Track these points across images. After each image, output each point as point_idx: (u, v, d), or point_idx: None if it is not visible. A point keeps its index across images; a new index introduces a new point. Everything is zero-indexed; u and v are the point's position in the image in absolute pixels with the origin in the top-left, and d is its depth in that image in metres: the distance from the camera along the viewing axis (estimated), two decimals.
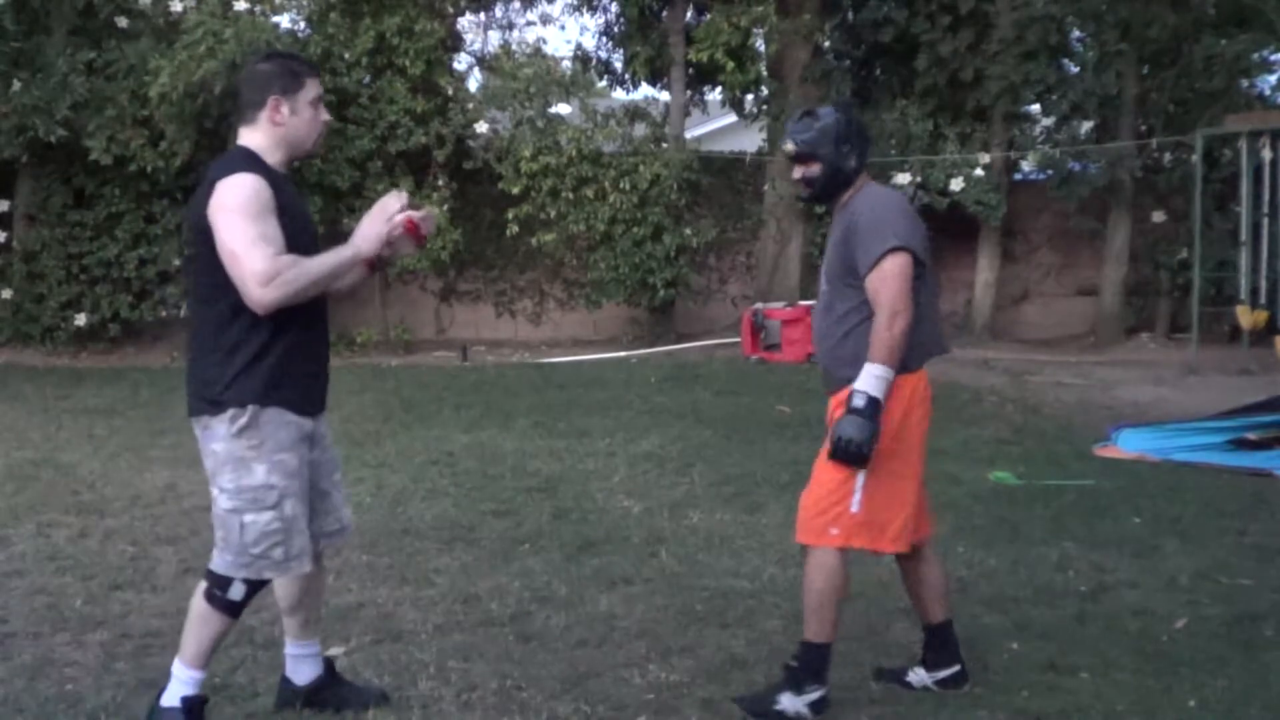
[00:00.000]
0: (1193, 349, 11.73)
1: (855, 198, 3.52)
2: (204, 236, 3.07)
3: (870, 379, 3.37)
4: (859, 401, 3.37)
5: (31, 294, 12.25)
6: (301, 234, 3.19)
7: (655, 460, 7.10)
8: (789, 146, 3.55)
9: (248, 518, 3.11)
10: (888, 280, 3.38)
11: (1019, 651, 3.98)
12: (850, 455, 3.36)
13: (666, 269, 13.19)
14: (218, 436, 3.11)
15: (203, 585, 3.22)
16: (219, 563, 3.17)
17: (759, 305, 12.82)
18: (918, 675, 3.67)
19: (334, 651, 3.94)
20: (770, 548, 5.22)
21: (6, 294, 12.18)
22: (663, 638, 4.11)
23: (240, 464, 3.10)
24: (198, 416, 3.18)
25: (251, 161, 3.13)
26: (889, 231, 3.40)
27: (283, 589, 3.42)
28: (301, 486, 3.21)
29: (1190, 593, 4.60)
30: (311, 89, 3.23)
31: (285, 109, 3.17)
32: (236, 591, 3.16)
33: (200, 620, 3.21)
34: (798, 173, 3.57)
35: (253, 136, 3.19)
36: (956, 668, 3.67)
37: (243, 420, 3.09)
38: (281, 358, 3.15)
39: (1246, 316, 11.43)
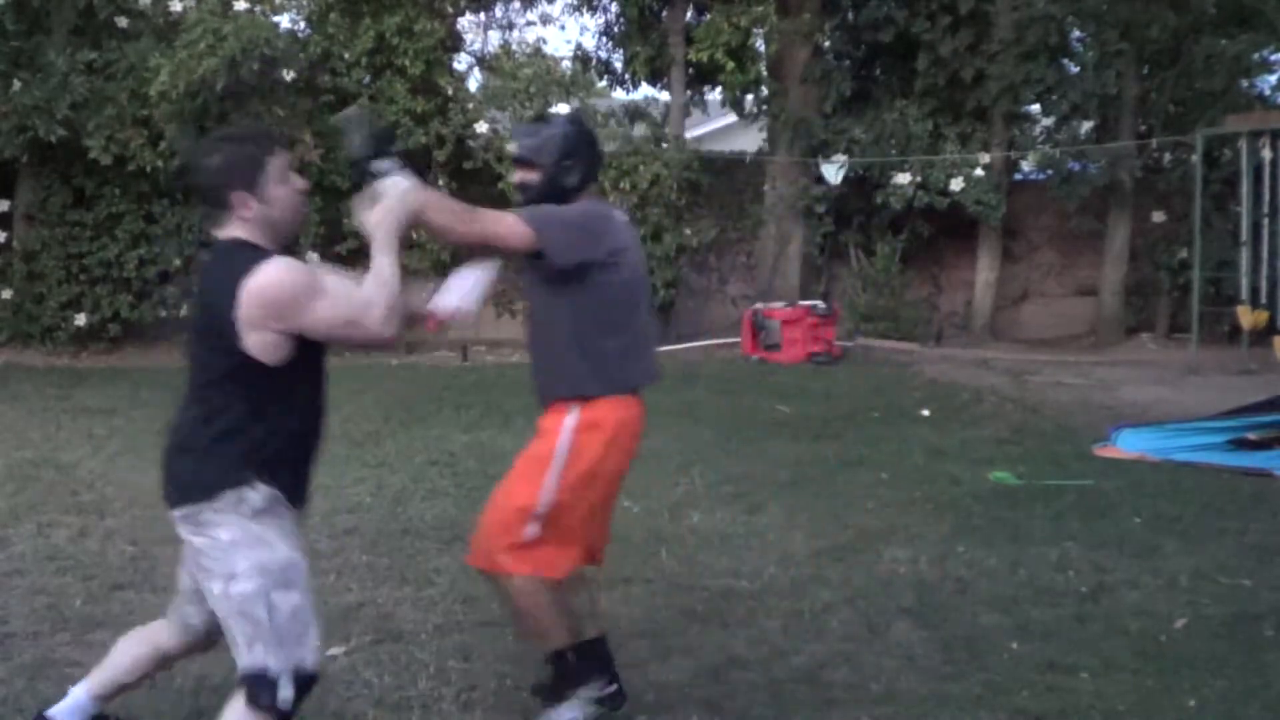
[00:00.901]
0: (1193, 349, 11.73)
1: (546, 201, 3.40)
2: (219, 339, 2.76)
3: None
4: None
5: (31, 294, 12.24)
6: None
7: (655, 460, 7.09)
8: (512, 148, 3.53)
9: (275, 596, 2.72)
10: (502, 220, 3.27)
11: (1019, 651, 3.98)
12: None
13: (666, 269, 13.18)
14: (222, 523, 2.77)
15: (238, 698, 2.73)
16: (253, 659, 2.71)
17: (759, 305, 12.82)
18: (565, 712, 3.41)
19: (334, 651, 3.95)
20: (770, 548, 5.23)
21: (6, 294, 12.17)
22: (663, 638, 4.11)
23: (259, 541, 2.76)
24: (187, 506, 2.82)
25: (257, 249, 2.79)
26: (549, 215, 3.31)
27: (132, 654, 3.17)
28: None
29: (1190, 593, 4.60)
30: (274, 166, 2.81)
31: (253, 203, 2.78)
32: (286, 691, 2.69)
33: None
34: (517, 177, 3.50)
35: (234, 231, 2.82)
36: (608, 683, 3.44)
37: (255, 498, 2.79)
38: (279, 446, 2.90)
39: (1247, 316, 11.43)
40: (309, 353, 2.90)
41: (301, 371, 2.93)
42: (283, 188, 2.84)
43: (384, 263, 2.87)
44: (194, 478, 2.84)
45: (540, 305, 3.57)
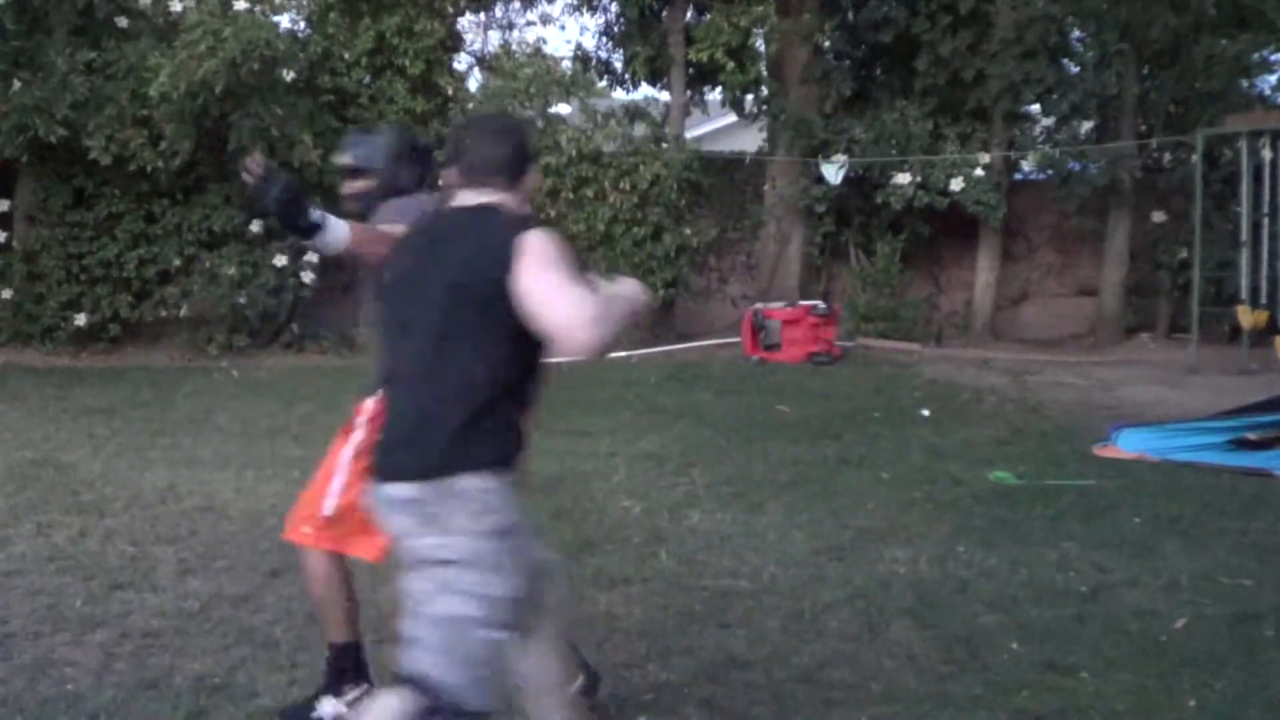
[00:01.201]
0: (1193, 349, 11.73)
1: (385, 201, 3.59)
2: (485, 298, 2.65)
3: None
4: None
5: (31, 294, 12.24)
6: None
7: (655, 460, 7.10)
8: (343, 160, 3.65)
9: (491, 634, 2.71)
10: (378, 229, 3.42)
11: (1019, 651, 3.98)
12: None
13: (666, 269, 13.18)
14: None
15: (401, 700, 2.69)
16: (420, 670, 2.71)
17: (759, 305, 12.81)
18: (326, 706, 3.45)
19: None
20: (770, 548, 5.23)
21: (6, 294, 12.17)
22: (663, 638, 4.11)
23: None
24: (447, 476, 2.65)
25: (518, 216, 2.79)
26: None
27: None
28: None
29: (1190, 593, 4.60)
30: None
31: (527, 180, 2.91)
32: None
33: None
34: (349, 186, 3.65)
35: (502, 198, 2.82)
36: (365, 686, 3.49)
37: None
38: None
39: (1247, 316, 11.43)
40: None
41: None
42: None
43: (615, 292, 2.71)
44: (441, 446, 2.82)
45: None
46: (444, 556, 2.71)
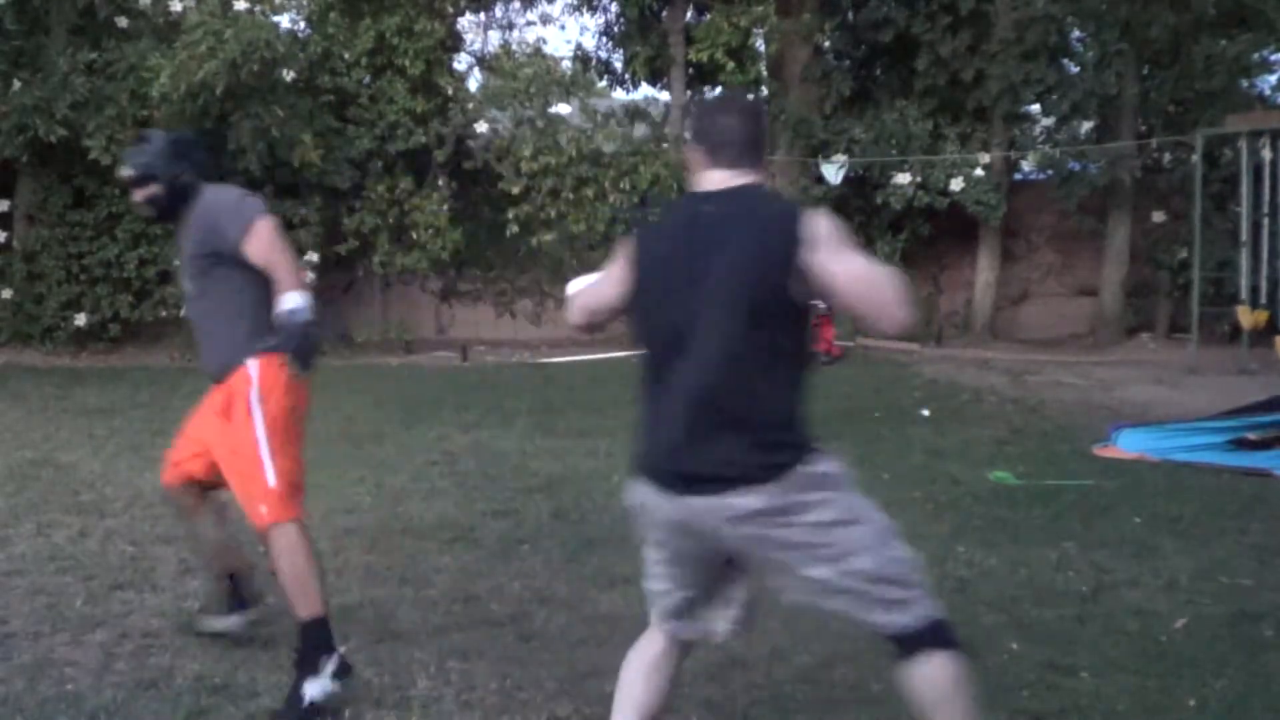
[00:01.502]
0: (1193, 349, 11.73)
1: (198, 202, 3.81)
2: (782, 281, 2.62)
3: (300, 296, 3.56)
4: (303, 305, 3.55)
5: (31, 294, 12.25)
6: None
7: None
8: (126, 173, 3.86)
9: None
10: (268, 239, 3.66)
11: (1019, 651, 3.98)
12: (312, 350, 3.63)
13: None
14: (835, 477, 2.74)
15: (927, 659, 2.64)
16: (915, 613, 2.67)
17: None
18: (312, 688, 3.50)
19: None
20: None
21: (6, 294, 12.18)
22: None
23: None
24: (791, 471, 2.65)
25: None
26: (244, 206, 3.76)
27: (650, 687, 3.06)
28: None
29: (1190, 593, 4.60)
30: None
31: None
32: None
33: (954, 692, 2.63)
34: (139, 195, 3.85)
35: (756, 179, 2.80)
36: (335, 654, 3.60)
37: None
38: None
39: (1247, 316, 11.43)
40: None
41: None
42: None
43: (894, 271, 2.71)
44: (779, 443, 2.75)
45: (207, 291, 3.84)
46: (827, 520, 2.70)
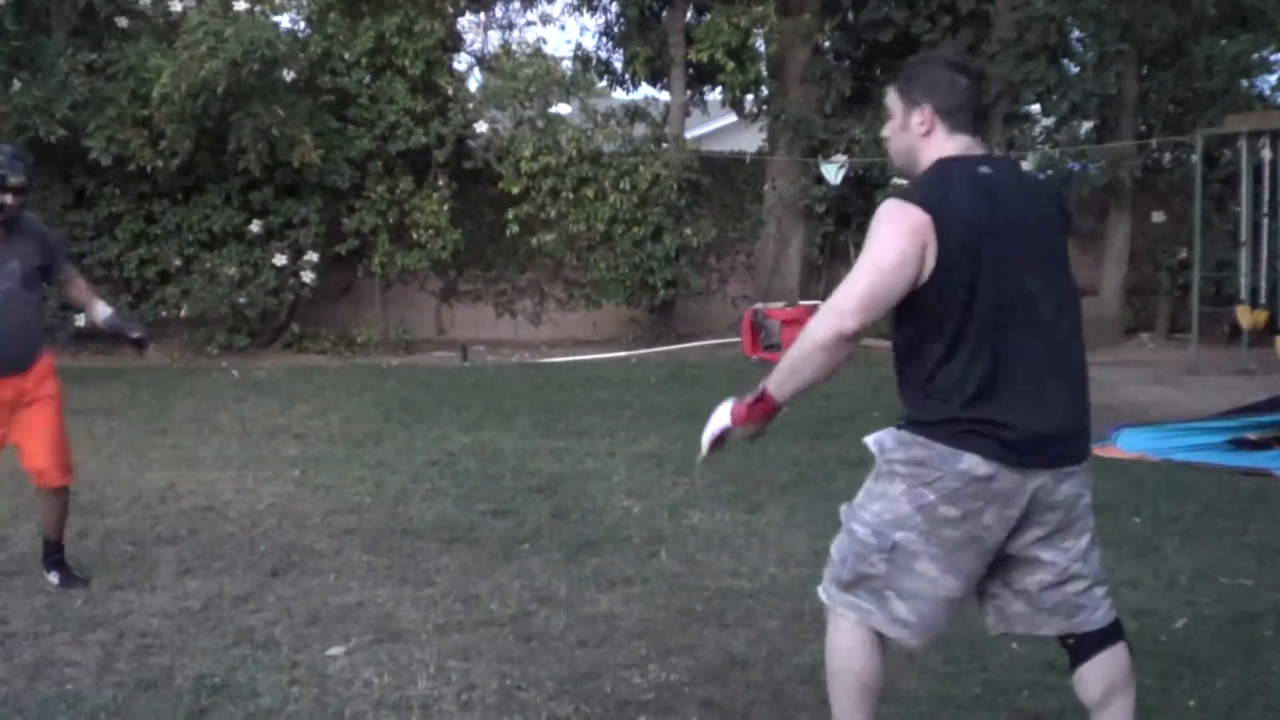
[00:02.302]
0: (1193, 349, 11.73)
1: (22, 215, 4.66)
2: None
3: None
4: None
5: None
6: None
7: (655, 460, 7.10)
8: (20, 179, 4.49)
9: None
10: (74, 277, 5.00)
11: (1019, 651, 3.98)
12: None
13: (666, 269, 13.19)
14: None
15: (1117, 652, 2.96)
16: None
17: (759, 305, 12.82)
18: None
19: (334, 651, 3.95)
20: (770, 548, 5.23)
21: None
22: (663, 638, 4.11)
23: None
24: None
25: None
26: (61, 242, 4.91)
27: None
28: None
29: (1190, 593, 4.60)
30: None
31: None
32: None
33: None
34: (15, 203, 4.50)
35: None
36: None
37: None
38: None
39: (1246, 316, 11.43)
40: None
41: None
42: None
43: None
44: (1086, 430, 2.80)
45: (25, 293, 4.67)
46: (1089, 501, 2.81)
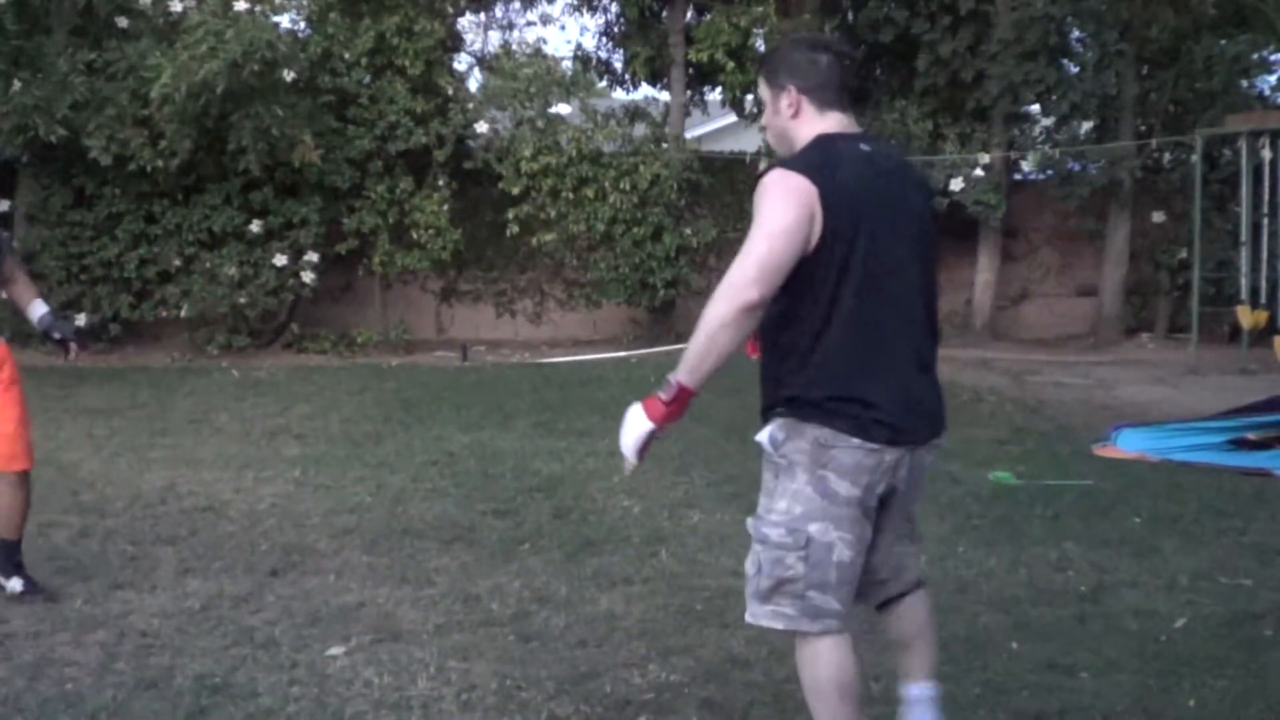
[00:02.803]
0: (1193, 349, 11.73)
1: None
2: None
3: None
4: None
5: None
6: None
7: (655, 460, 7.06)
8: None
9: None
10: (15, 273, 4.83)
11: (1019, 651, 3.98)
12: None
13: (666, 269, 13.19)
14: None
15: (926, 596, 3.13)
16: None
17: None
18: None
19: (334, 651, 3.95)
20: None
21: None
22: (663, 638, 4.11)
23: None
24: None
25: None
26: None
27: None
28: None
29: (1190, 593, 4.60)
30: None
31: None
32: None
33: None
34: None
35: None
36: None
37: None
38: None
39: (1246, 316, 11.43)
40: None
41: None
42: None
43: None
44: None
45: None
46: None
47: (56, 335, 4.87)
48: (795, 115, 2.79)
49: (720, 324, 2.65)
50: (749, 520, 2.85)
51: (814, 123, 2.77)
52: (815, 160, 2.68)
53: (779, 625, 2.84)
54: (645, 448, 2.83)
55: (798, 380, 2.72)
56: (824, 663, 2.80)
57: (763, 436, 2.80)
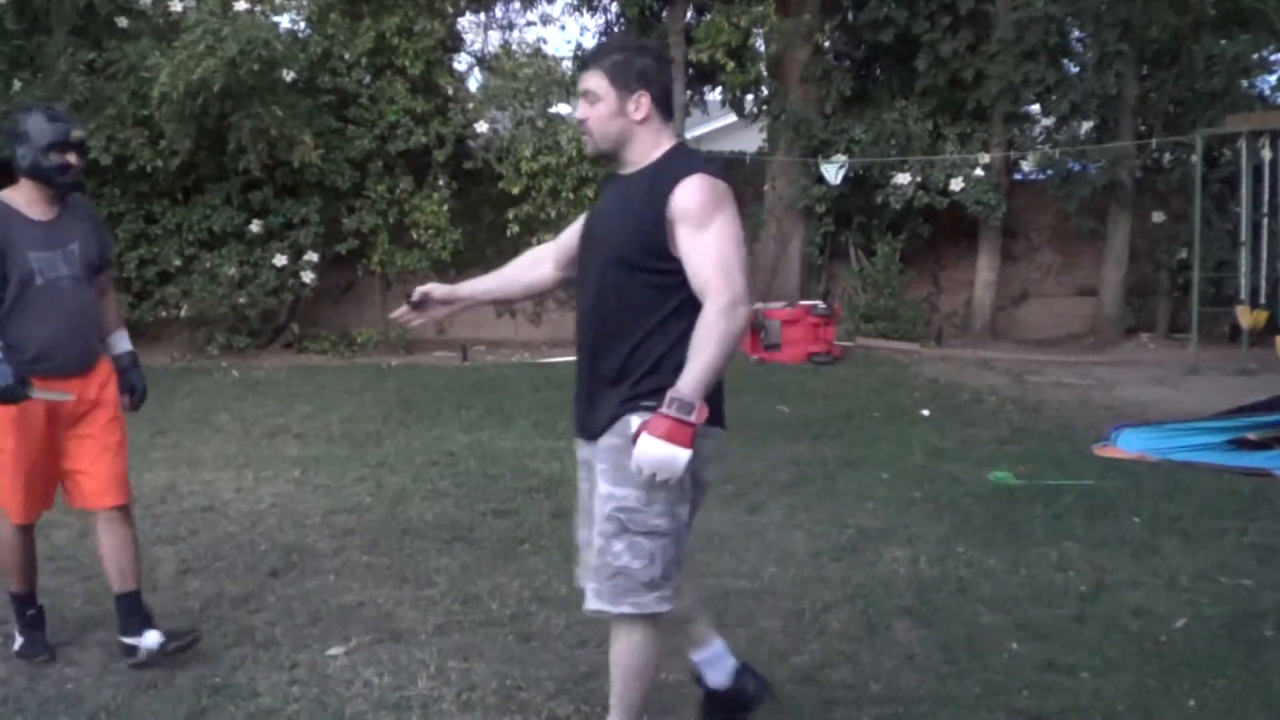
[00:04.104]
0: (1193, 349, 11.73)
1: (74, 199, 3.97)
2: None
3: None
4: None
5: None
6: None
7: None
8: (79, 133, 3.84)
9: None
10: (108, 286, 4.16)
11: (1019, 651, 3.98)
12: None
13: None
14: None
15: None
16: None
17: (759, 305, 12.80)
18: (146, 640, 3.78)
19: (334, 651, 3.95)
20: (770, 548, 5.23)
21: None
22: (662, 637, 4.11)
23: None
24: None
25: None
26: None
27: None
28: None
29: (1190, 593, 4.60)
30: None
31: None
32: None
33: None
34: (77, 163, 3.82)
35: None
36: (156, 636, 3.78)
37: None
38: None
39: (1246, 316, 11.43)
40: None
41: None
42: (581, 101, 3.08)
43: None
44: None
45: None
46: None
47: (131, 384, 4.25)
48: (644, 121, 2.94)
49: (735, 339, 2.80)
50: (613, 514, 2.86)
51: (661, 131, 2.95)
52: (714, 168, 2.88)
53: (660, 609, 2.91)
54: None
55: (678, 372, 2.78)
56: (653, 643, 2.96)
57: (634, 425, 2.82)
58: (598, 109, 2.96)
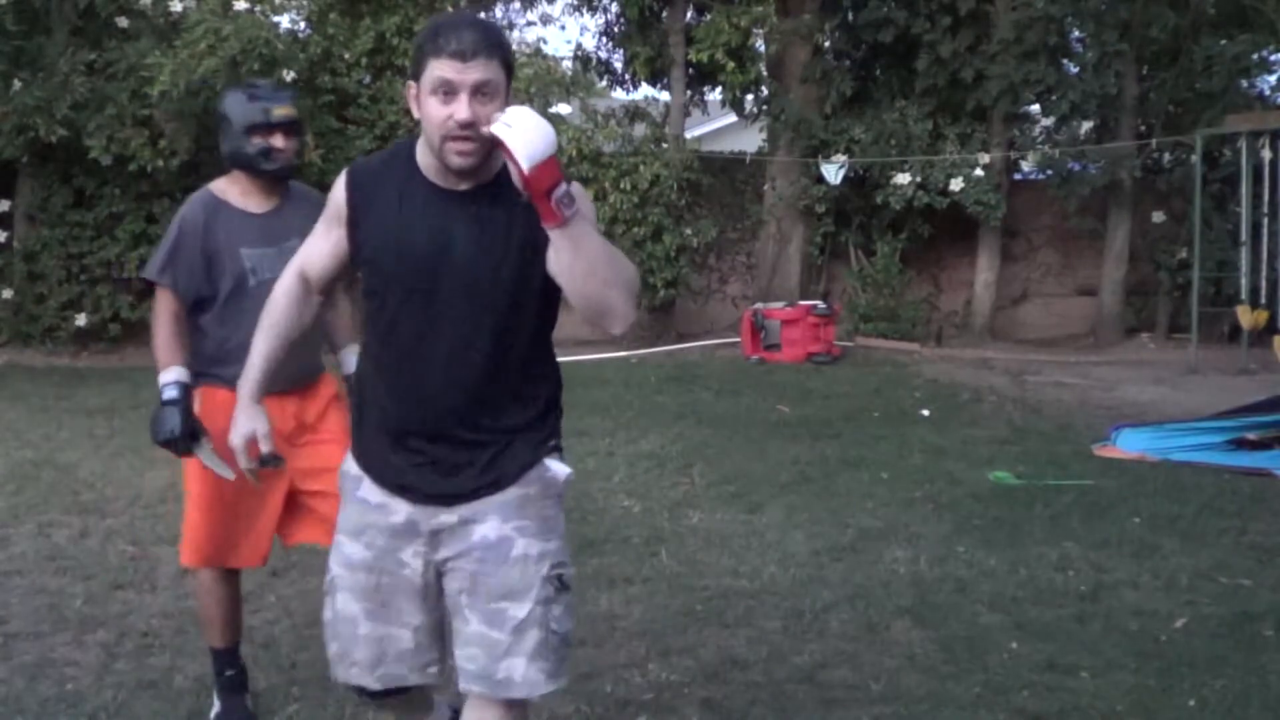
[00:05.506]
0: (1193, 349, 11.73)
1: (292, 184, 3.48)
2: None
3: None
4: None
5: (32, 294, 12.24)
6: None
7: (655, 460, 7.10)
8: (288, 111, 3.35)
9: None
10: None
11: (1019, 651, 3.99)
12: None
13: (666, 269, 13.18)
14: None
15: None
16: None
17: (759, 305, 12.81)
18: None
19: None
20: (770, 548, 5.23)
21: (7, 294, 12.17)
22: (663, 638, 4.11)
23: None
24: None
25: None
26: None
27: None
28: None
29: (1190, 593, 4.61)
30: (432, 70, 2.23)
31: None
32: None
33: None
34: (289, 147, 3.35)
35: None
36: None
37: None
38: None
39: (1246, 316, 11.43)
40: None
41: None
42: (430, 98, 2.26)
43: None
44: None
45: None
46: None
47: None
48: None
49: (618, 288, 2.23)
50: (550, 574, 2.39)
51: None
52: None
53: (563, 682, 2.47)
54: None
55: (552, 422, 2.48)
56: None
57: (561, 470, 2.44)
58: (495, 107, 2.23)
